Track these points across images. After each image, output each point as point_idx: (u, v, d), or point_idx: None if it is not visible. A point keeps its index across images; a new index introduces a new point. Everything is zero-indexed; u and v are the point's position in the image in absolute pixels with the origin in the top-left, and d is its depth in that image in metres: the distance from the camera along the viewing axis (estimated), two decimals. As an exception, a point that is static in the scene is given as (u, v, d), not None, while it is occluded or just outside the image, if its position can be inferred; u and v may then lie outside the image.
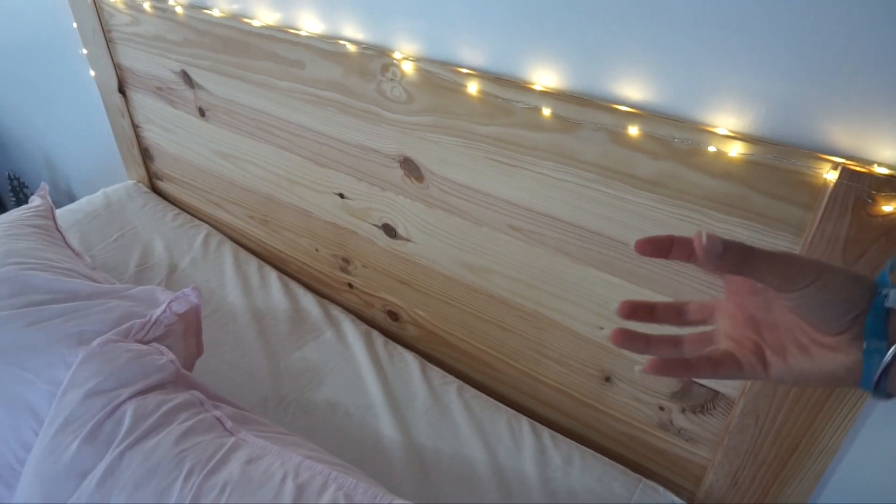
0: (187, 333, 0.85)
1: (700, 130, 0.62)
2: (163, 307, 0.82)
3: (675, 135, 0.64)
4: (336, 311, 1.12)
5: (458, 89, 0.78)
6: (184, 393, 0.73)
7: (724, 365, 0.42)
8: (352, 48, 0.86)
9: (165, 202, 1.43)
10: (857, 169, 0.54)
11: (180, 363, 0.79)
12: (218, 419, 0.71)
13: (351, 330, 1.07)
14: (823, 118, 0.57)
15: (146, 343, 0.78)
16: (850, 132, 0.56)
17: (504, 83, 0.74)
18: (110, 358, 0.72)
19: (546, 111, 0.71)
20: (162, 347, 0.78)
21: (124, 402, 0.68)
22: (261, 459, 0.64)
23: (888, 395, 0.38)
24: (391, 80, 0.84)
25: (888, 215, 0.53)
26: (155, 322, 0.80)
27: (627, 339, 0.43)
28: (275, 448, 0.66)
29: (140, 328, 0.79)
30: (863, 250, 0.56)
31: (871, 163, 0.55)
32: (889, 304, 0.36)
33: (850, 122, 0.56)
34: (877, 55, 0.52)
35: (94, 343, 0.74)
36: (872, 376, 0.37)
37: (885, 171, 0.54)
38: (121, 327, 0.78)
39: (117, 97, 1.37)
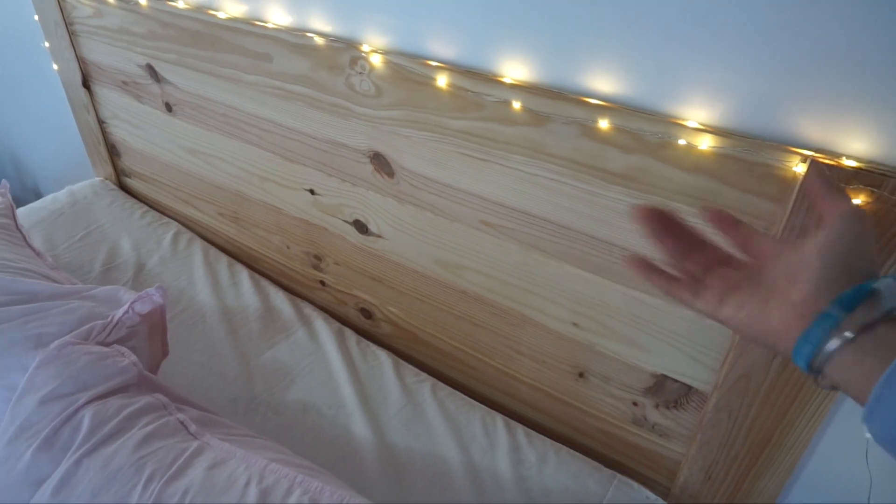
0: (152, 334, 0.83)
1: (670, 123, 0.62)
2: (125, 307, 0.79)
3: (645, 128, 0.63)
4: (308, 310, 1.11)
5: (427, 83, 0.76)
6: (146, 396, 0.70)
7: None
8: (320, 41, 0.84)
9: (133, 200, 1.39)
10: (826, 162, 0.54)
11: (144, 365, 0.77)
12: (182, 423, 0.68)
13: (323, 328, 1.05)
14: (792, 111, 0.56)
15: (108, 345, 0.76)
16: (819, 125, 0.56)
17: (474, 76, 0.72)
18: (69, 361, 0.70)
19: (517, 105, 0.70)
20: (124, 349, 0.75)
21: (82, 406, 0.66)
22: (225, 464, 0.62)
23: (817, 372, 0.37)
24: (360, 73, 0.82)
25: (857, 208, 0.53)
26: (117, 323, 0.78)
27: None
28: (240, 452, 0.64)
29: (101, 330, 0.77)
30: (832, 244, 0.56)
31: (839, 156, 0.55)
32: (876, 284, 0.35)
33: (819, 114, 0.55)
34: (845, 49, 0.52)
35: (53, 346, 0.71)
36: (812, 340, 0.36)
37: (853, 163, 0.53)
38: (81, 329, 0.76)
39: (82, 92, 1.33)
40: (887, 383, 0.33)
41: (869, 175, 0.52)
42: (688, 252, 0.45)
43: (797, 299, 0.38)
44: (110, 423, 0.64)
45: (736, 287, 0.42)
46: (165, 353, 0.86)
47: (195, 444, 0.65)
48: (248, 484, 0.59)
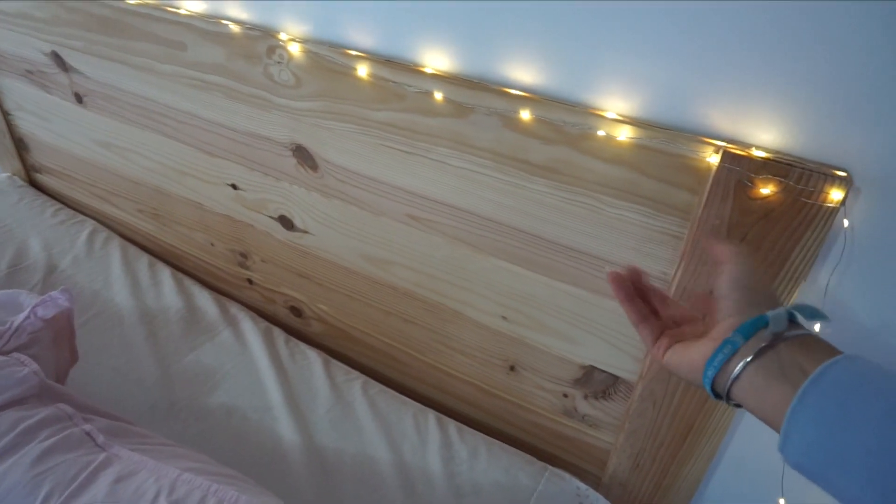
0: (58, 340, 0.77)
1: (590, 114, 0.61)
2: (26, 312, 0.74)
3: (566, 119, 0.63)
4: (235, 309, 1.06)
5: (347, 72, 0.74)
6: (48, 407, 0.66)
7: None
8: (235, 28, 0.80)
9: (44, 197, 1.31)
10: (737, 152, 0.55)
11: (49, 373, 0.72)
12: (88, 433, 0.64)
13: (250, 328, 1.01)
14: (706, 102, 0.57)
15: (6, 353, 0.70)
16: (731, 117, 0.56)
17: (395, 66, 0.70)
18: (-40, 372, 0.64)
19: (438, 95, 0.69)
20: (24, 357, 0.70)
21: (-26, 421, 0.61)
22: (133, 476, 0.58)
23: (718, 395, 0.40)
24: (278, 62, 0.79)
25: (766, 198, 0.54)
26: (17, 329, 0.72)
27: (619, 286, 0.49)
28: (151, 462, 0.61)
29: (-1, 337, 0.71)
30: (744, 233, 0.57)
31: (749, 146, 0.56)
32: (770, 313, 0.38)
33: (730, 106, 0.56)
34: (754, 42, 0.52)
35: (-59, 356, 0.66)
36: (715, 364, 0.39)
37: (762, 154, 0.54)
38: (-25, 337, 0.70)
39: (-17, 81, 1.24)
40: (794, 413, 0.34)
41: (777, 165, 0.53)
42: (652, 312, 0.49)
43: (714, 335, 0.41)
44: (6, 438, 0.59)
45: (681, 338, 0.45)
46: (74, 359, 0.81)
47: (102, 455, 0.61)
48: (156, 497, 0.55)
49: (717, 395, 0.41)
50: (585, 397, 0.80)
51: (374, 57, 0.72)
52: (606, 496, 0.81)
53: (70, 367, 0.80)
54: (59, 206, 1.28)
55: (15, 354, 0.71)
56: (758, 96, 0.54)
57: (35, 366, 0.69)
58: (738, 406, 0.40)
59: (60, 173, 1.29)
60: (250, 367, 0.94)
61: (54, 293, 0.76)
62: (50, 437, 0.61)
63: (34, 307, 0.74)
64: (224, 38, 0.82)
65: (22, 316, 0.73)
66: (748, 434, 0.71)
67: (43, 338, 0.75)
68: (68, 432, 0.63)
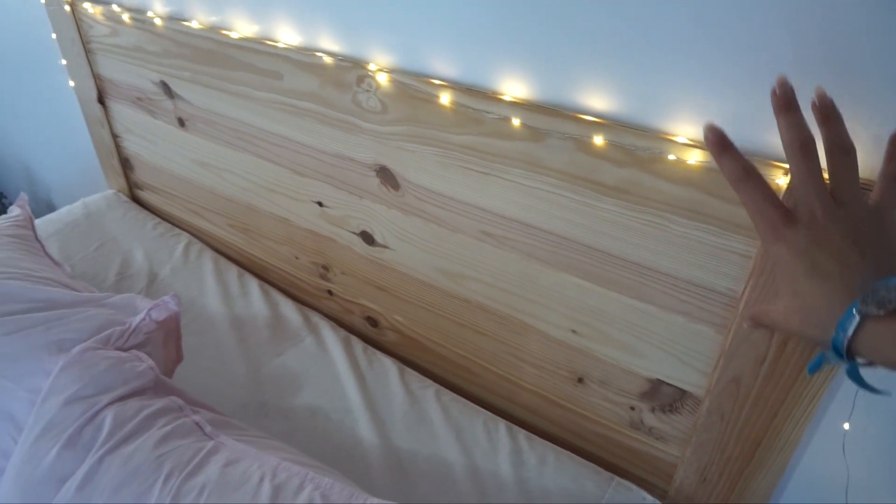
0: (167, 341, 0.86)
1: (660, 139, 0.65)
2: (142, 315, 0.83)
3: (637, 144, 0.67)
4: (316, 318, 1.14)
5: (431, 100, 0.80)
6: (163, 399, 0.74)
7: None
8: (328, 60, 0.88)
9: (145, 211, 1.44)
10: (806, 175, 0.57)
11: (160, 370, 0.80)
12: (197, 424, 0.72)
13: (330, 336, 1.09)
14: (774, 128, 0.59)
15: (126, 350, 0.79)
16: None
17: (475, 94, 0.76)
18: (90, 365, 0.73)
19: (515, 121, 0.74)
20: (141, 354, 0.79)
21: (104, 408, 0.69)
22: (239, 462, 0.65)
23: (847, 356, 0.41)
24: (367, 91, 0.86)
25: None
26: (134, 329, 0.81)
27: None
28: (253, 451, 0.68)
29: (119, 336, 0.80)
30: (813, 252, 0.59)
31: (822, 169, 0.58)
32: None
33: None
34: (817, 69, 0.55)
35: (75, 350, 0.75)
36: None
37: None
38: (100, 335, 0.79)
39: (97, 107, 1.38)
40: None
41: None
42: None
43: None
44: (130, 424, 0.68)
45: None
46: (180, 358, 0.90)
47: (210, 443, 0.68)
48: (261, 480, 0.62)
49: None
50: (652, 410, 0.83)
51: (455, 85, 0.78)
52: (673, 509, 0.83)
53: (176, 365, 0.89)
54: (157, 219, 1.40)
55: (133, 351, 0.79)
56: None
57: (151, 362, 0.78)
58: (853, 363, 0.41)
59: (160, 190, 1.41)
60: (331, 372, 1.01)
61: (166, 298, 0.85)
62: (167, 425, 0.69)
63: (149, 310, 0.83)
64: (317, 68, 0.90)
65: (139, 317, 0.83)
66: (820, 450, 0.72)
67: (156, 338, 0.84)
68: (181, 421, 0.71)
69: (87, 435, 0.67)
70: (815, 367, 0.48)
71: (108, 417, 0.68)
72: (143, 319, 0.82)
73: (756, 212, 0.49)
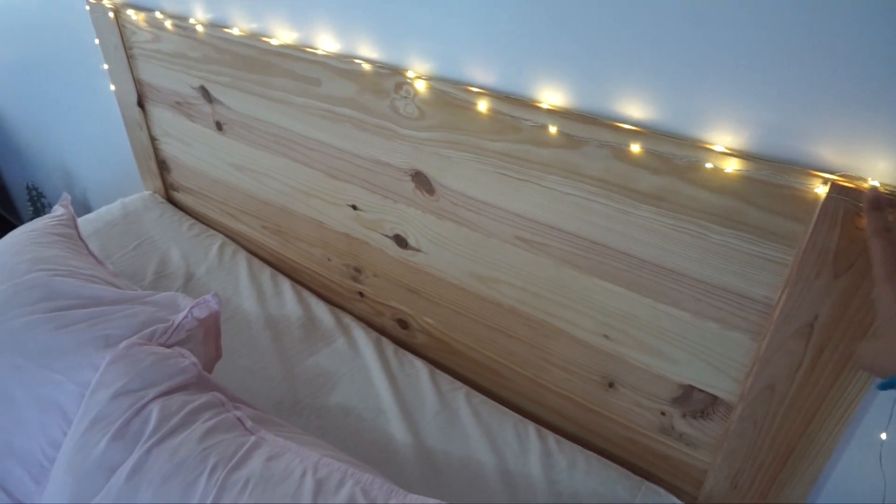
0: (207, 338, 0.89)
1: (698, 148, 0.66)
2: (185, 312, 0.85)
3: (674, 152, 0.68)
4: (347, 319, 1.16)
5: (468, 107, 0.82)
6: (205, 394, 0.76)
7: None
8: (367, 67, 0.90)
9: (181, 212, 1.47)
10: (846, 184, 0.58)
11: (201, 366, 0.83)
12: (238, 419, 0.74)
13: (362, 337, 1.11)
14: (814, 138, 0.60)
15: (169, 346, 0.82)
16: (840, 150, 0.59)
17: (513, 102, 0.78)
18: (136, 360, 0.76)
19: (553, 129, 0.75)
20: (184, 351, 0.81)
21: (150, 401, 0.72)
22: (281, 457, 0.67)
23: None
24: (404, 97, 0.88)
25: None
26: (177, 327, 0.84)
27: None
28: (293, 446, 0.70)
29: (163, 332, 0.83)
30: (851, 261, 0.59)
31: (862, 178, 0.58)
32: None
33: (840, 140, 0.59)
34: (860, 78, 0.56)
35: (121, 346, 0.78)
36: None
37: (877, 184, 0.57)
38: (145, 331, 0.82)
39: (136, 111, 1.42)
40: None
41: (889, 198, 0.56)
42: None
43: None
44: (176, 417, 0.70)
45: None
46: (219, 355, 0.92)
47: (252, 438, 0.70)
48: (304, 475, 0.64)
49: None
50: (683, 416, 0.83)
51: (493, 93, 0.79)
52: (703, 515, 0.84)
53: (215, 362, 0.92)
54: (193, 221, 1.44)
55: (176, 348, 0.82)
56: (866, 130, 0.57)
57: (193, 358, 0.80)
58: None
59: (196, 192, 1.44)
60: (364, 373, 1.03)
61: (207, 297, 0.87)
62: (210, 419, 0.71)
63: (191, 308, 0.86)
64: (356, 75, 0.93)
65: (181, 315, 0.85)
66: (855, 459, 0.72)
67: (197, 335, 0.86)
68: (223, 416, 0.73)
69: (134, 427, 0.70)
70: (888, 386, 0.50)
71: (155, 411, 0.71)
72: (186, 317, 0.85)
73: (880, 263, 0.54)
